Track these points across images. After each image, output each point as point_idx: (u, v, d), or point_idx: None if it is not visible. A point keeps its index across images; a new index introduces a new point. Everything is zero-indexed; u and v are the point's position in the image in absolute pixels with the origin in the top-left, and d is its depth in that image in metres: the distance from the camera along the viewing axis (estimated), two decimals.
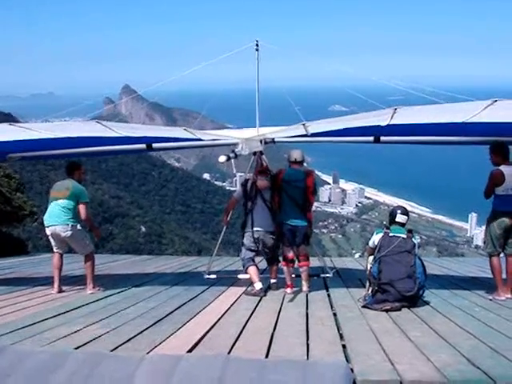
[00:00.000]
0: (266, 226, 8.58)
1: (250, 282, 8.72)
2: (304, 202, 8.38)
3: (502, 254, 8.01)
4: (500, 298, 7.75)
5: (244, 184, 8.88)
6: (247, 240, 8.68)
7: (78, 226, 8.71)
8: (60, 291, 8.69)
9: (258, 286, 8.28)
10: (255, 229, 8.59)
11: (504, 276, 7.93)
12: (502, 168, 7.70)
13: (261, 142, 8.99)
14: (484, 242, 8.14)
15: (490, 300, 7.79)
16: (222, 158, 8.35)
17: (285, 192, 8.34)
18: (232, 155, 8.62)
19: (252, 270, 8.55)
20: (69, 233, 8.56)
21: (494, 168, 7.77)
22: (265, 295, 8.31)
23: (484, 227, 8.31)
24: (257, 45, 9.59)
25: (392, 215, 7.73)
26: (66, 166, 9.24)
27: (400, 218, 7.64)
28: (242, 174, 10.76)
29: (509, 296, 7.81)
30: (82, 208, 8.68)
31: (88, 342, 5.35)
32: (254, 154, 9.52)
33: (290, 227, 8.33)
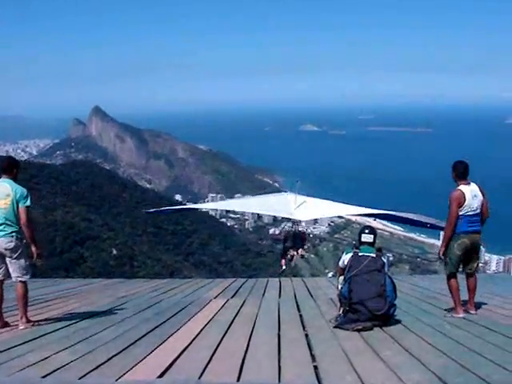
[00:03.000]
0: None
1: None
2: None
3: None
4: (458, 316, 7.82)
5: None
6: None
7: (24, 241, 7.65)
8: (4, 325, 7.70)
9: None
10: None
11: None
12: (462, 188, 7.74)
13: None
14: (445, 264, 8.07)
15: (448, 317, 7.84)
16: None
17: None
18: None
19: None
20: (12, 244, 7.47)
21: (454, 189, 7.79)
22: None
23: None
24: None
25: (359, 235, 7.79)
26: (2, 162, 7.88)
27: (365, 237, 7.69)
28: None
29: (473, 312, 7.92)
30: (22, 212, 7.55)
31: (57, 370, 5.25)
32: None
33: None
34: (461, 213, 7.73)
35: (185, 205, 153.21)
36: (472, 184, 7.81)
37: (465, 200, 7.67)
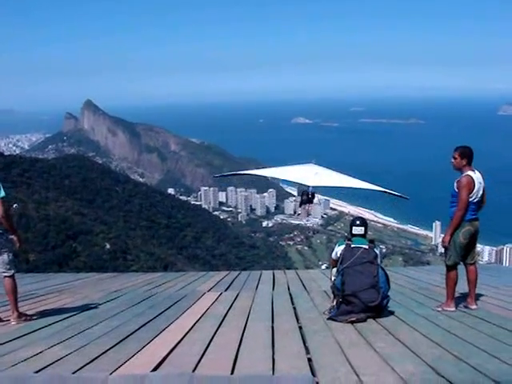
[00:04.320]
0: None
1: None
2: None
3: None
4: (450, 309, 7.74)
5: None
6: None
7: (5, 236, 7.48)
8: None
9: None
10: None
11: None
12: (470, 173, 7.53)
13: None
14: (446, 254, 7.75)
15: (438, 311, 7.76)
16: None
17: None
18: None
19: None
20: None
21: (463, 175, 7.54)
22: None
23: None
24: None
25: (350, 227, 7.78)
26: None
27: (355, 229, 7.68)
28: None
29: (474, 307, 7.81)
30: None
31: (50, 364, 5.23)
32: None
33: None
34: (469, 200, 7.53)
35: (180, 195, 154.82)
36: (476, 171, 7.62)
37: (474, 186, 7.49)
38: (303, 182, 9.78)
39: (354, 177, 10.60)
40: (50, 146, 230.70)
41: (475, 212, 7.60)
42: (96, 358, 5.46)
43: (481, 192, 7.58)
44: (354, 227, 7.69)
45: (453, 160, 7.68)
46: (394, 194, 11.14)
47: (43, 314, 8.23)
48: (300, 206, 9.97)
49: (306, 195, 9.99)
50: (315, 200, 10.11)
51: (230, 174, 13.71)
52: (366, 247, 7.38)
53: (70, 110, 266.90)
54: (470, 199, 7.48)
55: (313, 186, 9.85)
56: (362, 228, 7.66)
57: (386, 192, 10.85)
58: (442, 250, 7.99)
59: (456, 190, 7.52)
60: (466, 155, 7.61)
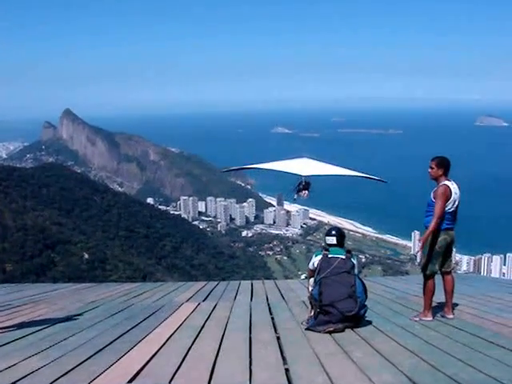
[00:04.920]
0: None
1: None
2: None
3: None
4: (427, 319, 7.76)
5: None
6: None
7: None
8: None
9: None
10: None
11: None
12: (447, 183, 7.57)
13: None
14: (423, 264, 7.78)
15: (416, 321, 7.77)
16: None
17: None
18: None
19: None
20: None
21: (440, 184, 7.58)
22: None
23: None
24: None
25: (325, 238, 7.82)
26: None
27: (328, 239, 7.70)
28: None
29: (450, 316, 7.88)
30: None
31: (25, 377, 5.16)
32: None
33: None
34: (445, 209, 7.56)
35: (160, 204, 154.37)
36: (452, 181, 7.68)
37: (450, 196, 7.54)
38: (298, 173, 11.03)
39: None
40: (28, 155, 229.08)
41: (451, 222, 7.67)
42: (72, 369, 5.40)
43: (457, 202, 7.65)
44: (326, 237, 7.73)
45: (430, 170, 7.73)
46: (374, 179, 12.83)
47: (18, 325, 8.12)
48: (297, 192, 11.13)
49: (302, 184, 11.14)
50: (309, 188, 11.27)
51: (236, 169, 14.61)
52: (343, 257, 7.39)
53: (48, 118, 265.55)
54: (446, 209, 7.54)
55: (306, 176, 11.03)
56: (334, 238, 7.65)
57: (367, 177, 12.41)
58: (419, 260, 8.04)
59: (432, 200, 7.58)
60: (443, 165, 7.68)
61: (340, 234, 7.78)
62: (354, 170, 12.20)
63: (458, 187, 7.70)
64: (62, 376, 5.16)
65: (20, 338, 7.14)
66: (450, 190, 7.55)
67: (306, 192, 11.39)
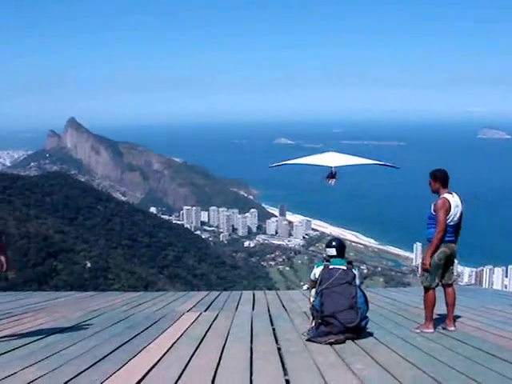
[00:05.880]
0: None
1: None
2: None
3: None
4: (429, 331, 7.75)
5: None
6: None
7: None
8: None
9: None
10: None
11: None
12: (447, 196, 7.59)
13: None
14: (423, 275, 7.84)
15: (417, 333, 7.76)
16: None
17: None
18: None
19: None
20: None
21: (440, 197, 7.61)
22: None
23: (421, 258, 8.22)
24: None
25: (326, 249, 7.82)
26: None
27: (328, 251, 7.71)
28: None
29: (452, 328, 7.87)
30: None
31: None
32: None
33: None
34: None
35: (162, 214, 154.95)
36: (454, 194, 7.69)
37: (450, 209, 7.55)
38: (327, 164, 13.20)
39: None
40: (32, 164, 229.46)
41: (451, 234, 7.69)
42: (71, 379, 5.36)
43: (458, 215, 7.65)
44: (327, 248, 7.75)
45: (429, 184, 7.83)
46: (388, 165, 15.55)
47: (19, 334, 8.09)
48: (327, 178, 13.04)
49: (330, 173, 13.09)
50: (336, 177, 13.24)
51: (279, 165, 16.13)
52: (345, 268, 7.39)
53: (53, 127, 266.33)
54: (447, 221, 7.56)
55: (334, 166, 13.03)
56: (334, 249, 7.65)
57: (382, 164, 15.00)
58: (420, 272, 8.04)
59: (433, 213, 7.62)
60: (439, 178, 7.74)
61: (340, 245, 7.77)
62: (369, 159, 14.34)
63: (460, 199, 7.70)
64: None
65: (20, 347, 7.09)
66: (450, 202, 7.57)
67: (334, 180, 13.16)
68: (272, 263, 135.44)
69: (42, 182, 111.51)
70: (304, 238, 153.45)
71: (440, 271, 7.76)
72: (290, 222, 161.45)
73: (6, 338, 7.69)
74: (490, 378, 5.24)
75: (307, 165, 13.82)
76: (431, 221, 7.63)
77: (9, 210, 77.15)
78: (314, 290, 7.58)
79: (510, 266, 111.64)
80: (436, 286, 7.81)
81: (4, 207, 77.50)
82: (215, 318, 9.45)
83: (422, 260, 7.77)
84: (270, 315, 9.80)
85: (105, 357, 6.42)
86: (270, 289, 58.22)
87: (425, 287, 7.82)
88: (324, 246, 8.10)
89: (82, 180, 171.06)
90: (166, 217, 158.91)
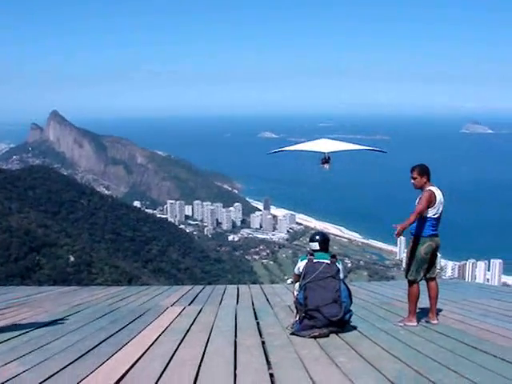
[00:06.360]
0: None
1: None
2: None
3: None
4: (412, 324, 7.81)
5: None
6: None
7: None
8: None
9: None
10: None
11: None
12: (432, 189, 7.60)
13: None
14: (407, 269, 7.86)
15: (400, 326, 7.82)
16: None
17: None
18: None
19: None
20: None
21: (426, 189, 7.59)
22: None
23: (406, 252, 8.25)
24: None
25: (309, 243, 7.83)
26: None
27: (312, 245, 7.71)
28: None
29: (435, 321, 7.92)
30: None
31: (5, 382, 5.09)
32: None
33: None
34: (428, 215, 7.60)
35: (146, 208, 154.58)
36: (436, 187, 7.71)
37: (435, 201, 7.57)
38: (321, 150, 13.96)
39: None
40: (14, 157, 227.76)
41: (435, 228, 7.71)
42: (54, 374, 5.34)
43: (441, 208, 7.68)
44: (310, 243, 7.75)
45: (412, 180, 7.79)
46: (376, 150, 16.16)
47: (0, 328, 8.04)
48: (322, 164, 13.76)
49: (324, 158, 13.76)
50: (330, 162, 13.85)
51: (276, 151, 16.76)
52: (329, 262, 7.41)
53: (35, 120, 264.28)
54: (431, 214, 7.61)
55: (328, 152, 13.79)
56: (317, 243, 7.66)
57: (370, 149, 15.73)
58: (404, 266, 8.09)
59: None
60: (425, 172, 7.73)
61: (324, 239, 7.76)
62: (359, 145, 15.35)
63: (442, 193, 7.74)
64: (44, 381, 5.09)
65: (2, 342, 7.04)
66: (435, 195, 7.59)
67: (328, 165, 13.84)
68: (256, 257, 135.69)
69: (24, 176, 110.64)
70: (288, 231, 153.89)
71: (426, 265, 7.77)
72: (275, 216, 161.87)
73: None
74: (472, 370, 5.30)
75: (302, 151, 14.46)
76: None
77: None
78: (297, 284, 7.58)
79: (492, 260, 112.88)
80: (420, 280, 7.86)
81: None
82: (199, 312, 9.46)
83: (399, 228, 7.42)
84: (254, 309, 9.81)
85: (89, 351, 6.41)
86: (254, 283, 58.27)
87: (410, 281, 7.84)
88: (308, 240, 8.09)
89: (65, 174, 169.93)
90: (149, 211, 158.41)
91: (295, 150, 14.99)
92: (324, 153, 13.91)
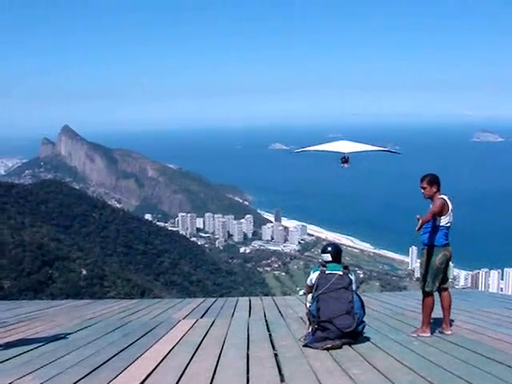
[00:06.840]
0: None
1: None
2: None
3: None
4: (425, 335, 7.74)
5: None
6: None
7: None
8: None
9: None
10: None
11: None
12: (445, 197, 7.54)
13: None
14: (423, 280, 7.76)
15: (414, 337, 7.75)
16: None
17: None
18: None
19: None
20: None
21: (438, 197, 7.52)
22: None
23: (420, 263, 8.15)
24: None
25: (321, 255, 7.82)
26: None
27: (324, 257, 7.69)
28: None
29: (449, 332, 7.85)
30: None
31: None
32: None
33: None
34: (441, 223, 7.54)
35: (158, 221, 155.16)
36: (447, 197, 7.63)
37: (447, 210, 7.53)
38: (341, 150, 14.36)
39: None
40: (26, 172, 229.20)
41: (447, 237, 7.66)
42: None
43: (452, 218, 7.64)
44: (322, 254, 7.73)
45: (422, 190, 7.71)
46: (390, 151, 16.72)
47: (14, 343, 8.05)
48: (342, 163, 14.16)
49: (343, 157, 14.17)
50: (349, 162, 14.20)
51: (299, 151, 17.27)
52: (341, 273, 7.38)
53: (47, 135, 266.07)
54: (444, 223, 7.55)
55: (347, 152, 14.17)
56: (329, 255, 7.63)
57: (385, 151, 16.12)
58: (418, 275, 8.01)
59: None
60: (435, 182, 7.67)
61: (336, 250, 7.73)
62: (374, 146, 15.59)
63: (451, 202, 7.69)
64: None
65: (15, 356, 7.06)
66: (448, 204, 7.56)
67: (347, 164, 14.32)
68: (268, 269, 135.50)
69: (36, 190, 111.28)
70: (300, 243, 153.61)
71: (441, 275, 7.71)
72: (286, 228, 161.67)
73: (2, 347, 7.67)
74: (486, 381, 5.25)
75: (323, 151, 14.86)
76: (427, 225, 7.60)
77: (3, 219, 76.88)
78: (310, 296, 7.57)
79: (505, 269, 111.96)
80: (436, 291, 7.79)
81: None
82: (211, 325, 9.44)
83: (420, 222, 7.26)
84: (266, 321, 9.78)
85: (101, 365, 6.41)
86: (266, 294, 58.17)
87: (426, 292, 7.77)
88: (320, 251, 8.06)
89: (77, 188, 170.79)
90: (161, 224, 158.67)
91: (317, 150, 15.42)
92: (344, 153, 14.50)
